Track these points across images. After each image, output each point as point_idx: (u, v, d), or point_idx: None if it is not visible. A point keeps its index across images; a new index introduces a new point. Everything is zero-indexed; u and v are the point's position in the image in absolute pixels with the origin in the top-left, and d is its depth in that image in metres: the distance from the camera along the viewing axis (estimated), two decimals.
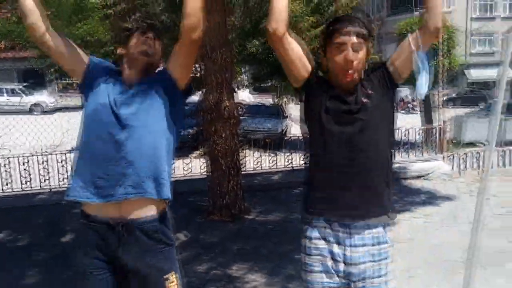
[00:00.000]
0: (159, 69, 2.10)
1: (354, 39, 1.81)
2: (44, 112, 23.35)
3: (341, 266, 1.93)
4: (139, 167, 1.89)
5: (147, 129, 1.93)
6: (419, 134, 9.64)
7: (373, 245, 1.93)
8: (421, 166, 8.79)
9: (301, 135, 9.38)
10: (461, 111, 20.37)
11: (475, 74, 33.36)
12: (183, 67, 2.05)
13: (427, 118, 13.17)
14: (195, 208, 6.37)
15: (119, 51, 2.12)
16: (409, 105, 24.23)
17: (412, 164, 8.83)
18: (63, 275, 4.26)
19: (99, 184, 1.88)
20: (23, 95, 24.76)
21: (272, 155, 8.64)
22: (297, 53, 1.91)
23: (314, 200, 1.96)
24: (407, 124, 10.09)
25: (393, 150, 1.97)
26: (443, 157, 9.30)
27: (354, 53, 1.81)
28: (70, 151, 7.89)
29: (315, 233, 1.95)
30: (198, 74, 5.98)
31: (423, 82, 1.88)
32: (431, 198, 7.19)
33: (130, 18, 8.50)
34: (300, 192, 7.36)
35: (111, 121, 1.91)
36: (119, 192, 1.87)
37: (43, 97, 26.19)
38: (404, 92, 24.15)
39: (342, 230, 1.91)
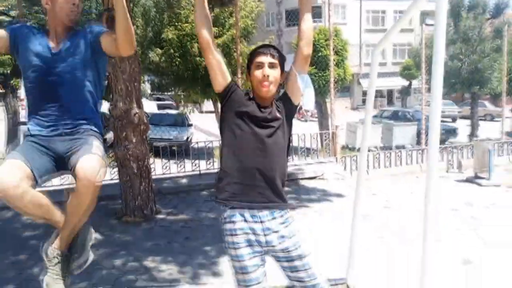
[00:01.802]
0: (91, 26, 2.58)
1: (270, 59, 2.43)
2: None
3: (262, 238, 2.45)
4: (74, 112, 2.52)
5: (79, 80, 2.50)
6: (314, 138, 10.84)
7: (281, 216, 2.49)
8: (316, 168, 10.01)
9: (205, 142, 10.27)
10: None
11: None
12: (112, 52, 2.56)
13: (322, 124, 14.67)
14: (108, 211, 6.93)
15: (44, 2, 2.49)
16: (307, 113, 26.18)
17: (308, 165, 10.06)
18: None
19: (44, 124, 2.52)
20: None
21: (179, 161, 9.36)
22: (219, 61, 2.47)
23: (226, 193, 2.45)
24: (305, 130, 11.33)
25: (288, 156, 2.60)
26: (336, 159, 10.64)
27: (269, 69, 2.42)
28: None
29: (236, 217, 2.45)
30: (107, 83, 6.59)
31: (309, 98, 2.54)
32: (325, 196, 8.31)
33: None
34: (208, 194, 8.20)
35: (47, 77, 2.46)
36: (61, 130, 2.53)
37: None
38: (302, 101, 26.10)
39: (255, 211, 2.45)
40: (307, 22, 2.53)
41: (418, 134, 16.15)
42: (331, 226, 6.32)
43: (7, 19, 12.90)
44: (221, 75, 2.48)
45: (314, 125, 16.03)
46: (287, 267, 2.54)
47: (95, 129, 2.62)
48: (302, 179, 9.47)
